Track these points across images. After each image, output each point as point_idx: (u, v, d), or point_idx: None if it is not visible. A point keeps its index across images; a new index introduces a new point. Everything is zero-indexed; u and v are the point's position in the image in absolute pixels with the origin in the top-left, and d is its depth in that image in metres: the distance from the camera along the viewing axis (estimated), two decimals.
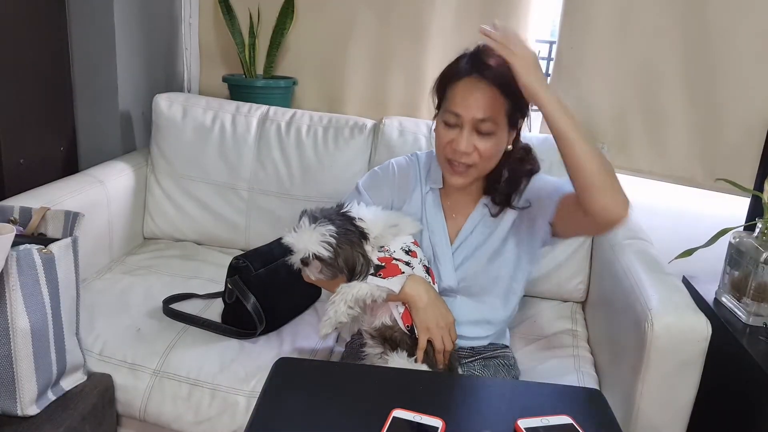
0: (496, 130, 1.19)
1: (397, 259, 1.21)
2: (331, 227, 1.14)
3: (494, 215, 1.30)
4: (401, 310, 1.21)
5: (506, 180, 1.29)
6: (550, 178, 1.31)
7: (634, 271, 1.42)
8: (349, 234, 1.15)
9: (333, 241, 1.13)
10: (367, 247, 1.18)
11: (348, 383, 1.02)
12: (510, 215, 1.31)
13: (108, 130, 1.97)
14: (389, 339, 1.21)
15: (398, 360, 1.18)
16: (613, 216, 1.10)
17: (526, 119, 1.26)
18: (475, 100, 1.17)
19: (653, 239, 1.65)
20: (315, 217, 1.15)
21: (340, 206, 1.23)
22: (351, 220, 1.18)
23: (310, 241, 1.14)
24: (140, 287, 1.66)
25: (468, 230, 1.32)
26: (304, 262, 1.17)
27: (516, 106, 1.19)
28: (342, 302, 1.16)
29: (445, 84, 1.23)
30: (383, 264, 1.19)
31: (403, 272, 1.19)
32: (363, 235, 1.17)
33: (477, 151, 1.20)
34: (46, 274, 1.16)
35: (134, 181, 1.92)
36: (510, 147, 1.25)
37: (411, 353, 1.20)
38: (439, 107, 1.27)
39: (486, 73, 1.16)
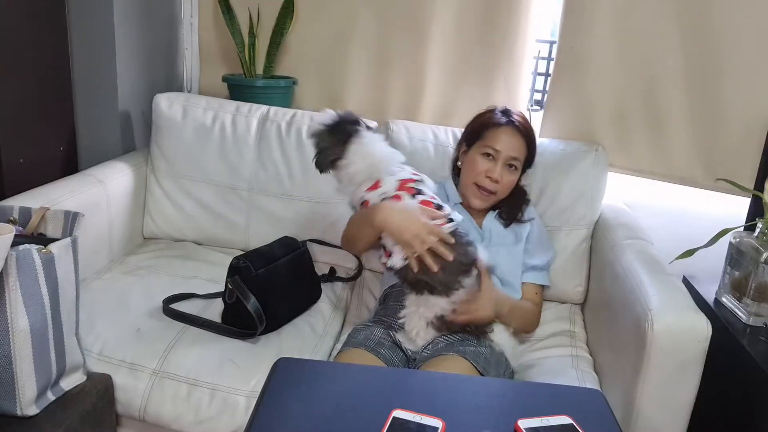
0: (519, 168, 1.60)
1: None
2: None
3: (506, 225, 1.63)
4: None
5: (508, 202, 1.64)
6: (542, 239, 1.70)
7: (634, 272, 1.42)
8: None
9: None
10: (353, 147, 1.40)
11: (348, 383, 1.02)
12: (524, 228, 1.65)
13: (108, 130, 1.97)
14: (415, 282, 1.34)
15: (436, 301, 1.34)
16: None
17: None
18: (510, 143, 1.57)
19: (653, 239, 1.65)
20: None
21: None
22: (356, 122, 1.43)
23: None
24: (140, 287, 1.66)
25: (487, 228, 1.63)
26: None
27: (532, 155, 1.63)
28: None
29: (484, 128, 1.59)
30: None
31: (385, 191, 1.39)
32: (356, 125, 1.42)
33: (502, 182, 1.57)
34: (46, 274, 1.16)
35: (134, 181, 1.92)
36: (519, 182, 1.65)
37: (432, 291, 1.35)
38: (470, 144, 1.62)
39: (518, 126, 1.58)
